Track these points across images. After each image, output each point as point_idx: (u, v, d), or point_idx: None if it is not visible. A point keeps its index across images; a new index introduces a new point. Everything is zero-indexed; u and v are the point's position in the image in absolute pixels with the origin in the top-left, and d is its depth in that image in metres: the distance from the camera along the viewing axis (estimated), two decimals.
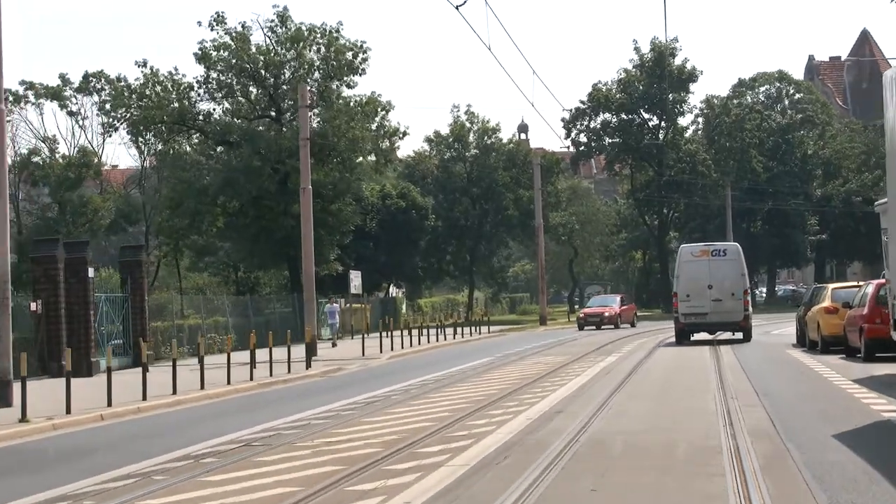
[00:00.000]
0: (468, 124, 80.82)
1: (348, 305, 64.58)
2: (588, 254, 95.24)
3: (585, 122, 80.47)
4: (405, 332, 46.22)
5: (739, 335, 37.10)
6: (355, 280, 63.49)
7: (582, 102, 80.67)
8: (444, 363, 33.88)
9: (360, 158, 57.54)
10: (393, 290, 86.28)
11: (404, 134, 58.62)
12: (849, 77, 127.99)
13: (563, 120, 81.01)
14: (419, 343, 46.54)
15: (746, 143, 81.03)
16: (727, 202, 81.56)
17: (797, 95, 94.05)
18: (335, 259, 60.36)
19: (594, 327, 58.86)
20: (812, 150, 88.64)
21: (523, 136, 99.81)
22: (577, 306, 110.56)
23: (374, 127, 58.05)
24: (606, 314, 60.42)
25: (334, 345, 45.96)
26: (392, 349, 41.63)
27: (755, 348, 35.02)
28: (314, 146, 54.53)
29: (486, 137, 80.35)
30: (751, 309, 37.05)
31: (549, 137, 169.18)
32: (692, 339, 37.56)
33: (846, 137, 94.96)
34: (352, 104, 56.98)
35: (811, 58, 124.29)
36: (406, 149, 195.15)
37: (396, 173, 79.17)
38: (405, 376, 28.65)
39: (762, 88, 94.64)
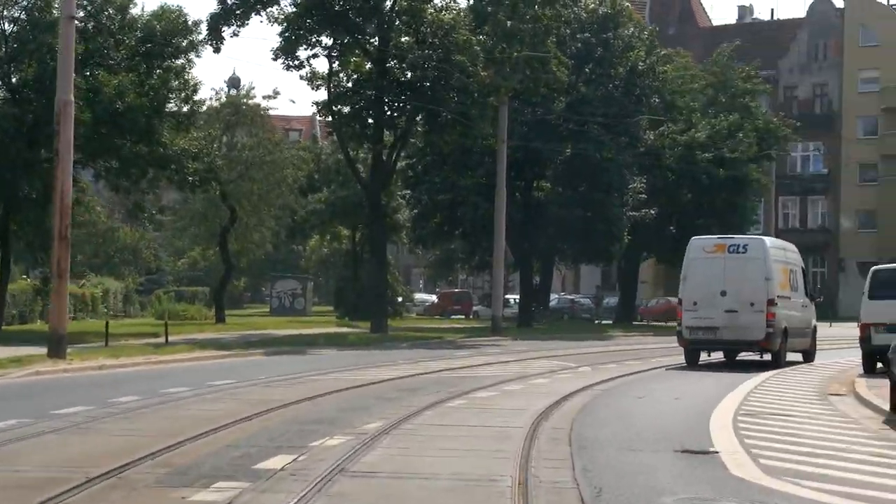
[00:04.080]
0: None
1: None
2: (258, 220, 56.65)
3: None
4: None
5: (767, 357, 28.69)
6: None
7: None
8: None
9: None
10: None
11: None
12: None
13: None
14: None
15: (543, 27, 43.78)
16: (500, 130, 44.39)
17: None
18: None
19: None
20: (644, 66, 52.39)
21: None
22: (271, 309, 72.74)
23: None
24: None
25: None
26: None
27: None
28: None
29: None
30: (779, 325, 27.88)
31: None
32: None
33: (680, 65, 59.89)
34: None
35: None
36: None
37: None
38: None
39: None
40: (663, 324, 65.42)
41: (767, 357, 28.73)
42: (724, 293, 28.08)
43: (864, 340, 25.68)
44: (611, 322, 62.33)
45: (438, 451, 13.23)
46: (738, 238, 30.33)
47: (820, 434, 15.66)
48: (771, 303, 27.74)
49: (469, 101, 41.58)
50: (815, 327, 31.07)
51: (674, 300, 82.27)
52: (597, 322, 63.70)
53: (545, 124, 49.97)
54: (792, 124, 61.89)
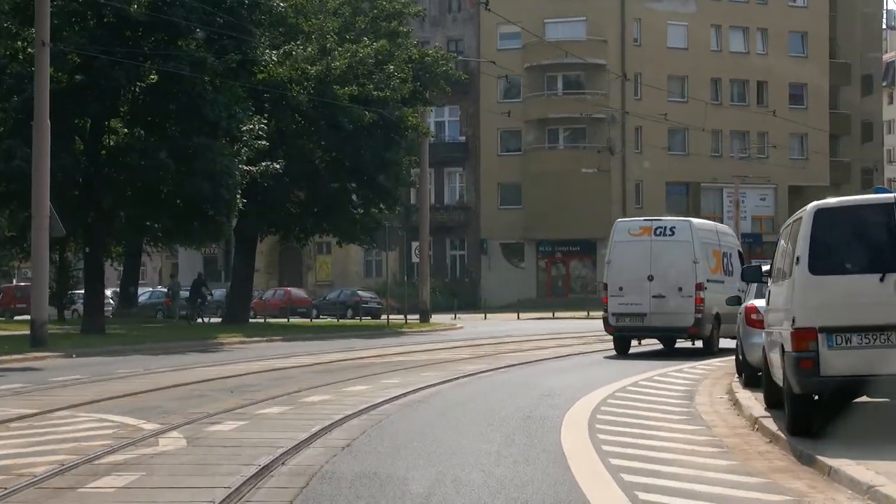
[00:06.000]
0: None
1: None
2: None
3: None
4: None
5: (699, 344, 27.79)
6: None
7: None
8: None
9: None
10: None
11: None
12: None
13: None
14: None
15: None
16: (40, 25, 28.03)
17: None
18: None
19: None
20: None
21: None
22: None
23: None
24: None
25: None
26: None
27: None
28: None
29: None
30: (710, 311, 26.75)
31: None
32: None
33: None
34: None
35: None
36: None
37: None
38: None
39: None
40: (284, 321, 51.26)
41: (699, 344, 27.87)
42: (651, 278, 27.42)
43: (804, 367, 11.51)
44: (219, 321, 46.78)
45: None
46: (666, 220, 29.52)
47: None
48: (700, 287, 26.85)
49: None
50: None
51: (295, 291, 69.74)
52: (190, 322, 47.78)
53: (118, 32, 33.78)
54: (453, 57, 48.60)
